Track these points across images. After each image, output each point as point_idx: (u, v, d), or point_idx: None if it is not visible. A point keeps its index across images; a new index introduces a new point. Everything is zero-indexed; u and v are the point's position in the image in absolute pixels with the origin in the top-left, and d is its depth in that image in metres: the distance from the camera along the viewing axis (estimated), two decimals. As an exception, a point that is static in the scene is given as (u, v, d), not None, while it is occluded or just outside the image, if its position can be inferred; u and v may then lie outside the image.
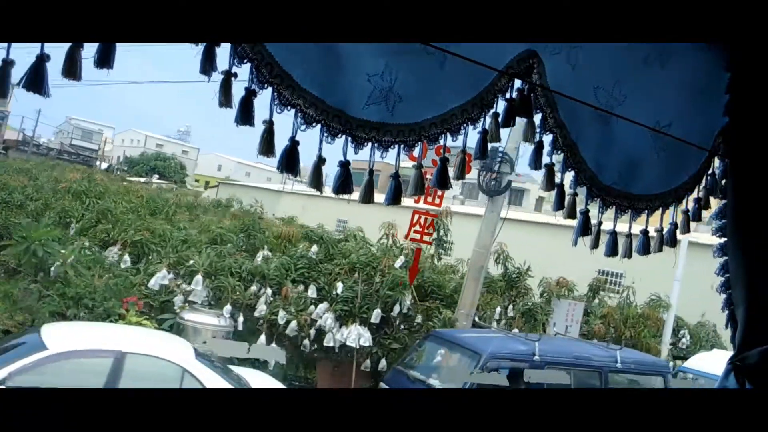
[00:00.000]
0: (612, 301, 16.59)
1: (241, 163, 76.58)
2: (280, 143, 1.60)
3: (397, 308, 11.61)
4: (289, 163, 1.57)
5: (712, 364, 12.98)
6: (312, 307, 11.53)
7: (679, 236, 2.12)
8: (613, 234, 2.10)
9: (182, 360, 7.25)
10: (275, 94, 1.52)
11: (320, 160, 1.62)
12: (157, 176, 47.80)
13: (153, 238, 12.88)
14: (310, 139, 1.67)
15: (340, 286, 11.68)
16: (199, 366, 7.29)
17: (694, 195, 2.08)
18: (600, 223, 2.04)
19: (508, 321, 12.86)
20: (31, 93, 1.33)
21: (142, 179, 28.29)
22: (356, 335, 11.32)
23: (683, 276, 16.26)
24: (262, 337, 10.86)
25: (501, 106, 1.79)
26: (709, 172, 2.07)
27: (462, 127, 1.75)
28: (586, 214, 1.99)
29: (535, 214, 36.34)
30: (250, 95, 1.49)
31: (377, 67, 1.61)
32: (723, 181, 2.01)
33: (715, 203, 2.12)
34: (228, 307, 10.79)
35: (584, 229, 1.99)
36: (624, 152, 1.96)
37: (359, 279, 11.77)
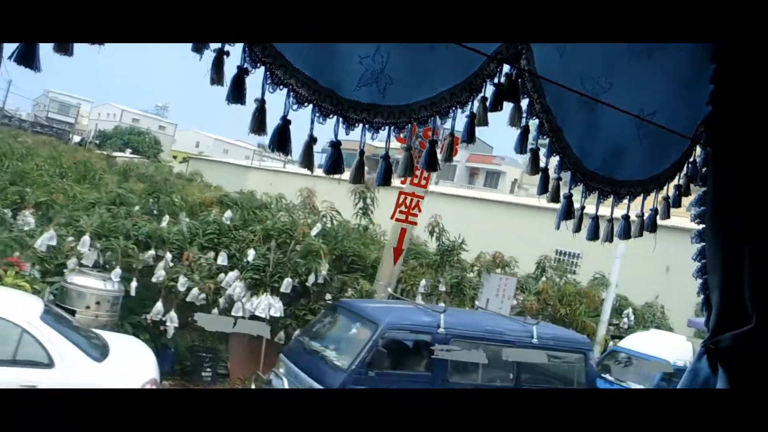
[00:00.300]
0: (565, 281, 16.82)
1: (219, 140, 76.54)
2: (271, 123, 1.63)
3: (312, 278, 11.30)
4: (281, 141, 1.60)
5: (645, 344, 13.53)
6: (222, 275, 11.18)
7: (659, 221, 2.17)
8: (595, 218, 2.15)
9: (23, 320, 7.06)
10: (268, 73, 1.54)
11: (311, 140, 1.64)
12: (130, 150, 47.17)
13: (66, 201, 12.32)
14: (300, 120, 1.70)
15: (251, 253, 11.31)
16: (42, 326, 7.12)
17: (675, 182, 2.13)
18: (583, 207, 2.09)
19: (438, 295, 12.66)
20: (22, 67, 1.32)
21: (115, 153, 27.72)
22: (266, 305, 10.95)
23: (640, 258, 16.30)
24: (159, 304, 10.44)
25: (489, 90, 1.83)
26: (691, 160, 2.13)
27: (451, 111, 1.79)
28: (569, 198, 2.07)
29: (507, 195, 36.69)
30: (242, 74, 1.51)
31: (369, 50, 1.64)
32: (704, 170, 2.10)
33: (695, 191, 2.16)
34: (117, 271, 10.21)
35: (567, 212, 2.06)
36: (608, 139, 2.03)
37: (272, 246, 11.42)
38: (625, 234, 2.22)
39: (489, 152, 50.38)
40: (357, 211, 13.98)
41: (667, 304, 17.55)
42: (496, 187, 43.74)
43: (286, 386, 8.79)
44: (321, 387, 8.25)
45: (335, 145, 1.65)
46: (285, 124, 1.60)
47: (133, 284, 10.35)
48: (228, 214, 12.33)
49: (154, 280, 10.57)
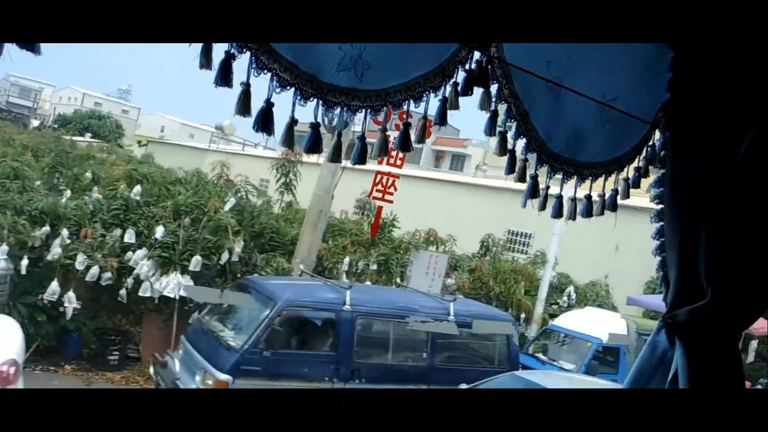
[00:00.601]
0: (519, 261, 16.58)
1: (185, 125, 74.47)
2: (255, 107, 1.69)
3: (225, 256, 10.95)
4: (264, 123, 1.68)
5: (578, 322, 13.25)
6: (130, 253, 10.67)
7: (619, 201, 2.28)
8: (559, 198, 2.25)
9: None
10: (253, 58, 1.63)
11: (293, 121, 1.74)
12: (90, 135, 46.06)
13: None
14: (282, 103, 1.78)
15: (160, 230, 10.81)
16: None
17: (635, 164, 2.23)
18: (548, 188, 2.19)
19: (366, 272, 12.38)
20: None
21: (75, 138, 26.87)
22: (176, 284, 10.51)
23: (589, 237, 16.47)
24: (54, 284, 9.89)
25: (461, 76, 1.93)
26: (650, 143, 2.23)
27: (424, 95, 1.89)
28: (535, 178, 2.21)
29: (464, 176, 36.81)
30: (229, 59, 1.59)
31: None
32: (662, 153, 2.19)
33: (654, 172, 2.27)
34: (4, 248, 9.59)
35: (533, 192, 2.19)
36: (572, 123, 2.18)
37: (183, 223, 11.00)
38: (587, 212, 2.35)
39: (455, 135, 50.53)
40: (279, 187, 13.68)
41: (616, 283, 17.51)
42: (462, 170, 43.82)
43: (177, 369, 8.53)
44: (215, 368, 8.01)
45: (315, 126, 1.75)
46: (268, 107, 1.69)
47: (24, 262, 9.77)
48: (137, 189, 11.63)
49: (49, 258, 10.01)
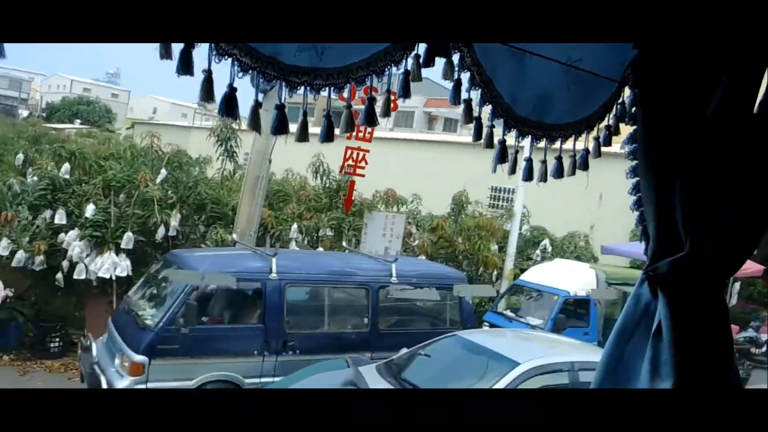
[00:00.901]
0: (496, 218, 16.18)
1: (177, 105, 73.69)
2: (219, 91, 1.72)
3: (162, 231, 10.63)
4: (228, 108, 1.70)
5: (546, 275, 12.80)
6: (62, 235, 10.29)
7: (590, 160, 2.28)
8: (529, 161, 2.25)
9: None
10: (212, 45, 1.63)
11: (257, 104, 1.77)
12: (79, 121, 44.45)
13: None
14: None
15: (90, 208, 10.38)
16: None
17: (606, 123, 2.23)
18: (517, 151, 2.28)
19: (318, 238, 12.13)
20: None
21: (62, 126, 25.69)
22: (111, 265, 10.17)
23: (574, 187, 16.30)
24: None
25: (422, 47, 1.92)
26: (619, 101, 2.23)
27: (386, 69, 1.89)
28: (503, 143, 2.22)
29: (447, 135, 36.81)
30: (189, 47, 1.60)
31: None
32: (633, 109, 2.22)
33: (625, 129, 2.27)
34: None
35: (502, 156, 2.22)
36: (538, 86, 2.19)
37: (113, 199, 10.63)
38: (559, 173, 2.35)
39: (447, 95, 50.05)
40: (219, 156, 13.38)
41: (601, 234, 17.14)
42: (456, 132, 43.39)
43: (95, 353, 8.21)
44: (130, 350, 7.72)
45: (280, 107, 1.77)
46: (231, 92, 1.70)
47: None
48: (65, 167, 11.11)
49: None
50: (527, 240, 16.13)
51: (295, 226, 11.76)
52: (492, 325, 11.83)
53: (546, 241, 16.16)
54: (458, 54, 2.00)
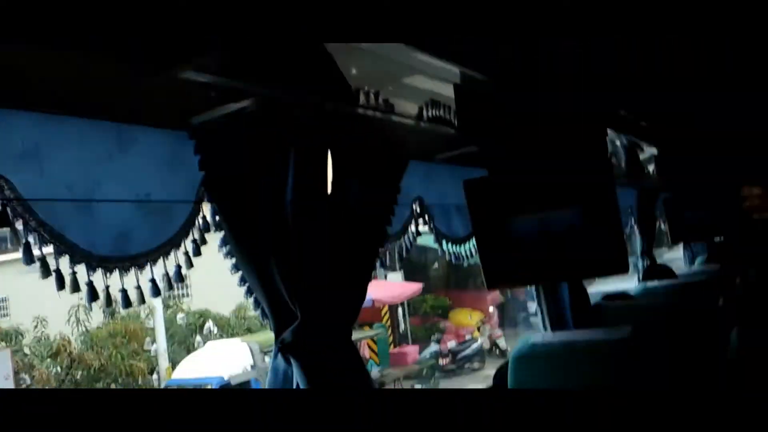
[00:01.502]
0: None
1: None
2: None
3: None
4: None
5: (200, 364, 11.94)
6: None
7: (183, 272, 2.38)
8: (123, 291, 2.24)
9: None
10: None
11: None
12: None
13: None
14: None
15: None
16: None
17: (191, 237, 2.36)
18: (90, 282, 2.17)
19: None
20: None
21: None
22: None
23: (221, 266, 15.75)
24: None
25: None
26: (201, 215, 2.36)
27: None
28: (90, 284, 2.14)
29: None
30: None
31: None
32: (217, 218, 2.38)
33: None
34: None
35: (93, 295, 2.16)
36: (114, 226, 2.19)
37: None
38: (126, 303, 2.38)
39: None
40: None
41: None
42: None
43: None
44: None
45: None
46: None
47: None
48: None
49: None
50: (187, 327, 15.20)
51: None
52: None
53: (209, 323, 15.41)
54: (21, 219, 1.94)
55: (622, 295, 4.37)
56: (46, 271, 2.04)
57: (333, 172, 2.33)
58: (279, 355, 2.37)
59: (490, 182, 2.90)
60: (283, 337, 2.31)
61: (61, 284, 2.09)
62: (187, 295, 17.92)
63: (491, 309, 21.66)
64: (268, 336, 12.82)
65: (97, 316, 14.31)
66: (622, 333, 2.45)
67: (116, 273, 2.22)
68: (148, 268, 2.28)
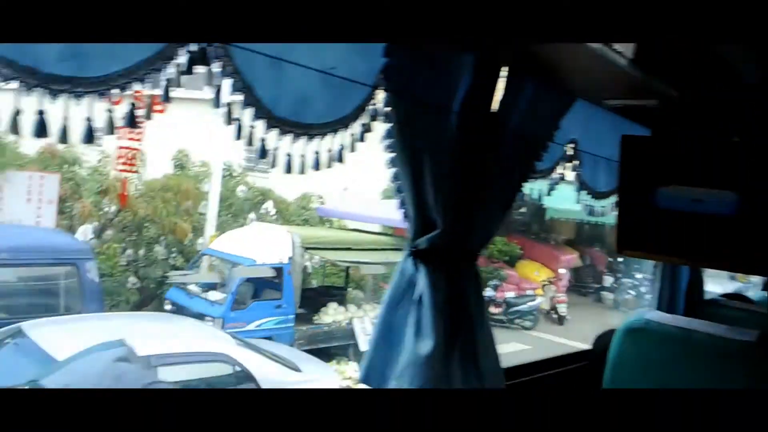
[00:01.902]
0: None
1: None
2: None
3: None
4: None
5: (238, 243, 11.86)
6: None
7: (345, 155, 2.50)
8: (289, 156, 2.36)
9: None
10: None
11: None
12: None
13: None
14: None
15: None
16: None
17: (361, 121, 2.47)
18: (276, 148, 2.32)
19: None
20: None
21: None
22: None
23: None
24: None
25: (185, 57, 1.96)
26: (373, 103, 2.42)
27: (146, 77, 1.93)
28: (263, 141, 2.28)
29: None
30: None
31: None
32: (387, 109, 2.47)
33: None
34: None
35: (263, 153, 2.30)
36: (296, 90, 2.33)
37: None
38: (317, 166, 2.47)
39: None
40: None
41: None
42: None
43: None
44: None
45: (40, 113, 1.79)
46: None
47: None
48: None
49: None
50: (245, 201, 15.05)
51: None
52: (173, 304, 11.21)
53: (269, 203, 15.26)
54: (219, 62, 2.06)
55: (740, 297, 4.20)
56: (229, 119, 2.18)
57: (504, 92, 2.41)
58: (409, 259, 2.46)
59: (651, 143, 2.84)
60: (417, 242, 2.41)
61: (238, 135, 2.22)
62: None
63: (562, 271, 20.31)
64: (313, 233, 12.82)
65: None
66: (750, 336, 2.35)
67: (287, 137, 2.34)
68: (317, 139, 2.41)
